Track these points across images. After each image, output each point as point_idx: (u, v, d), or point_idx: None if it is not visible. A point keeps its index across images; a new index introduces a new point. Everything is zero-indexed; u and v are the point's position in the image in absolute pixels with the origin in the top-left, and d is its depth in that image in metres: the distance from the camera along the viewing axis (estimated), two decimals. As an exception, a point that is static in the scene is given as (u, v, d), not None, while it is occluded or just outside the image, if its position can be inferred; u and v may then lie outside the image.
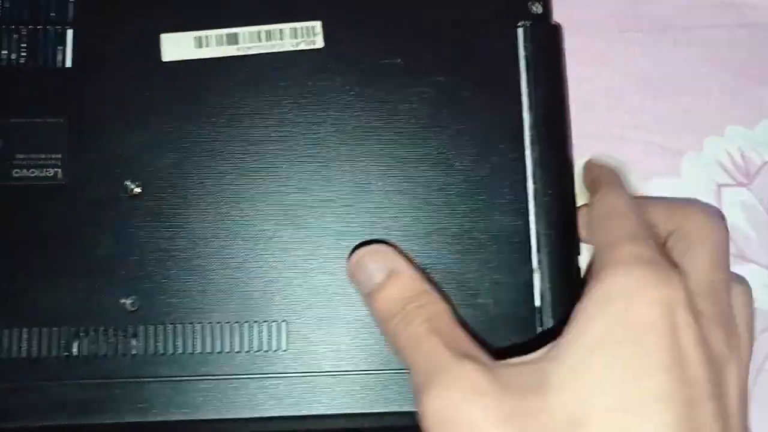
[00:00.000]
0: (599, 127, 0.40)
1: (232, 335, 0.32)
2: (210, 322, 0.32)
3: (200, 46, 0.34)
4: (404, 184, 0.34)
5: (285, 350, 0.33)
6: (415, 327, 0.29)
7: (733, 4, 0.41)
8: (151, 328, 0.32)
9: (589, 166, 0.36)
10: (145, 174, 0.33)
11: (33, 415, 0.31)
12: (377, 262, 0.31)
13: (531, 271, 0.34)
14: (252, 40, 0.35)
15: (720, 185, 0.40)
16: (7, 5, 0.34)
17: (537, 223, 0.34)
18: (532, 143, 0.35)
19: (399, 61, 0.35)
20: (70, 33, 0.34)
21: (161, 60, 0.34)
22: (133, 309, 0.32)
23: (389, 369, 0.32)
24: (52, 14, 0.34)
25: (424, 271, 0.32)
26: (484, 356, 0.28)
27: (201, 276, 0.33)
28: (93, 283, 0.32)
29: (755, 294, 0.33)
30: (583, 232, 0.35)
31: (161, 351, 0.32)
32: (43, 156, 0.33)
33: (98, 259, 0.33)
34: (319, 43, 0.35)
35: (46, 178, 0.33)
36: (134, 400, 0.32)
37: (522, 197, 0.34)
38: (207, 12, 0.35)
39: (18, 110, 0.33)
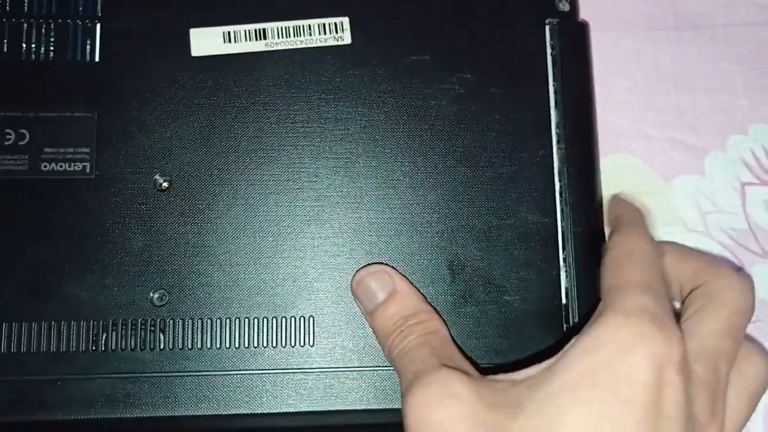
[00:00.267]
0: (624, 125, 0.40)
1: (259, 330, 0.33)
2: (237, 317, 0.33)
3: (229, 41, 0.34)
4: (432, 180, 0.34)
5: (312, 346, 0.33)
6: (410, 340, 0.30)
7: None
8: (179, 323, 0.32)
9: (615, 202, 0.35)
10: (173, 168, 0.33)
11: (61, 408, 0.31)
12: (379, 282, 0.32)
13: (557, 269, 0.34)
14: (280, 35, 0.34)
15: (744, 183, 0.40)
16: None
17: (563, 220, 0.34)
18: (559, 141, 0.35)
19: (427, 57, 0.35)
20: (98, 27, 0.34)
21: (190, 55, 0.34)
22: (161, 303, 0.32)
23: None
24: (80, 9, 0.34)
25: (421, 293, 0.33)
26: (470, 369, 0.29)
27: (229, 271, 0.33)
28: (121, 277, 0.32)
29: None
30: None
31: (189, 345, 0.32)
32: (71, 150, 0.33)
33: (126, 254, 0.33)
34: (347, 39, 0.35)
35: (75, 172, 0.33)
36: (162, 394, 0.32)
37: (549, 195, 0.34)
38: (236, 7, 0.35)
39: (47, 104, 0.33)
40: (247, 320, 0.33)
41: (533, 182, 0.34)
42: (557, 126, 0.35)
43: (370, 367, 0.33)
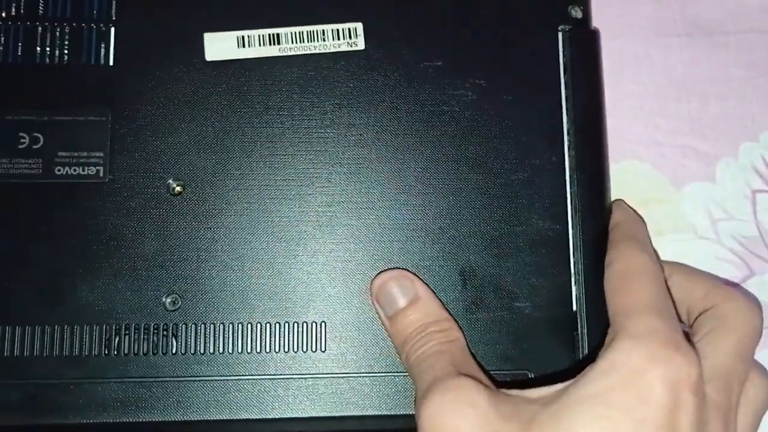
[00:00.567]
0: (635, 131, 0.40)
1: (271, 335, 0.33)
2: (250, 322, 0.33)
3: (243, 45, 0.34)
4: (444, 186, 0.34)
5: (324, 351, 0.33)
6: (430, 347, 0.30)
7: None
8: (191, 327, 0.32)
9: (615, 207, 0.35)
10: (186, 173, 0.33)
11: (73, 412, 0.31)
12: (401, 287, 0.32)
13: (568, 276, 0.34)
14: (294, 40, 0.35)
15: (755, 191, 0.40)
16: (51, 3, 0.34)
17: (574, 227, 0.34)
18: (569, 148, 0.35)
19: (440, 63, 0.35)
20: (112, 31, 0.34)
21: (204, 59, 0.34)
22: (173, 308, 0.32)
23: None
24: (94, 12, 0.34)
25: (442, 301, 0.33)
26: (486, 381, 0.29)
27: (241, 276, 0.33)
28: (134, 281, 0.32)
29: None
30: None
31: (201, 350, 0.32)
32: (85, 154, 0.33)
33: (139, 258, 0.33)
34: (361, 44, 0.35)
35: (89, 176, 0.33)
36: (174, 399, 0.32)
37: (561, 201, 0.34)
38: (250, 12, 0.35)
39: (60, 108, 0.33)
40: (259, 325, 0.33)
41: (545, 189, 0.34)
42: (568, 133, 0.35)
43: (382, 372, 0.33)
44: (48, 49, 0.34)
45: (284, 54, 0.34)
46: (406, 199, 0.34)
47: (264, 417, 0.32)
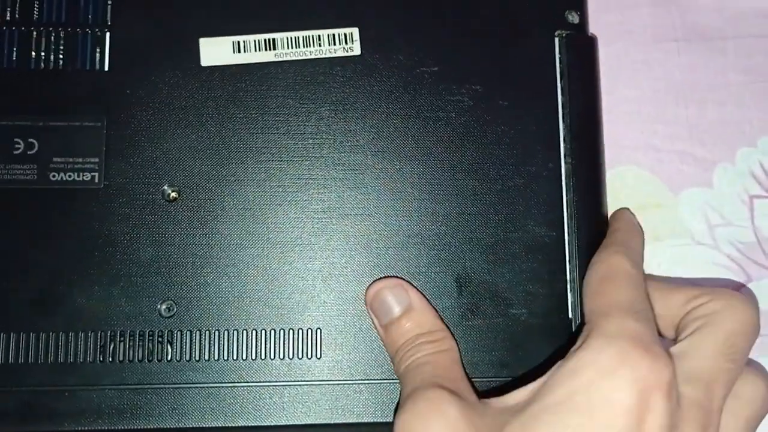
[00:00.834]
0: (632, 137, 0.39)
1: (266, 342, 0.32)
2: (245, 329, 0.32)
3: (238, 50, 0.34)
4: (440, 192, 0.34)
5: (319, 358, 0.33)
6: (417, 357, 0.30)
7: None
8: (186, 334, 0.32)
9: (617, 215, 0.35)
10: (182, 179, 0.33)
11: (68, 419, 0.31)
12: (395, 296, 0.32)
13: (564, 282, 0.34)
14: (290, 45, 0.34)
15: (752, 196, 0.40)
16: (46, 7, 0.34)
17: (570, 234, 0.34)
18: (566, 155, 0.35)
19: (436, 69, 0.35)
20: (108, 36, 0.34)
21: (200, 64, 0.34)
22: (169, 314, 0.32)
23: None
24: (90, 17, 0.34)
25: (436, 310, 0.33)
26: (468, 394, 0.29)
27: (237, 282, 0.33)
28: (129, 288, 0.32)
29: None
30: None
31: (196, 357, 0.32)
32: (80, 160, 0.33)
33: (134, 264, 0.33)
34: (357, 50, 0.35)
35: (84, 181, 0.33)
36: (169, 405, 0.32)
37: (557, 208, 0.34)
38: (246, 17, 0.35)
39: (55, 113, 0.33)
40: (254, 332, 0.33)
41: (541, 195, 0.34)
42: (564, 139, 0.35)
43: (377, 380, 0.33)
44: (43, 54, 0.34)
45: (280, 59, 0.34)
46: (402, 206, 0.34)
47: (259, 424, 0.32)
